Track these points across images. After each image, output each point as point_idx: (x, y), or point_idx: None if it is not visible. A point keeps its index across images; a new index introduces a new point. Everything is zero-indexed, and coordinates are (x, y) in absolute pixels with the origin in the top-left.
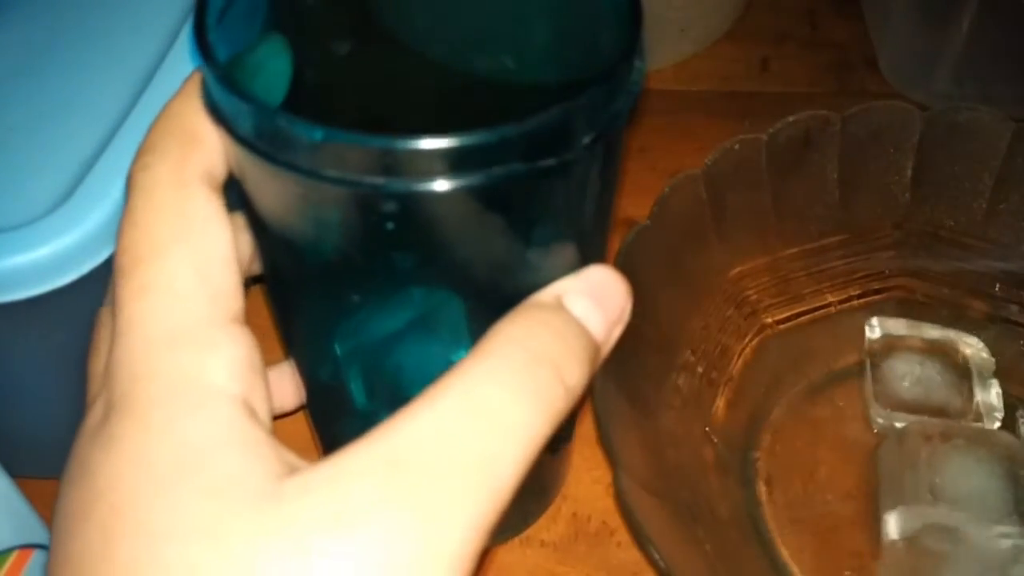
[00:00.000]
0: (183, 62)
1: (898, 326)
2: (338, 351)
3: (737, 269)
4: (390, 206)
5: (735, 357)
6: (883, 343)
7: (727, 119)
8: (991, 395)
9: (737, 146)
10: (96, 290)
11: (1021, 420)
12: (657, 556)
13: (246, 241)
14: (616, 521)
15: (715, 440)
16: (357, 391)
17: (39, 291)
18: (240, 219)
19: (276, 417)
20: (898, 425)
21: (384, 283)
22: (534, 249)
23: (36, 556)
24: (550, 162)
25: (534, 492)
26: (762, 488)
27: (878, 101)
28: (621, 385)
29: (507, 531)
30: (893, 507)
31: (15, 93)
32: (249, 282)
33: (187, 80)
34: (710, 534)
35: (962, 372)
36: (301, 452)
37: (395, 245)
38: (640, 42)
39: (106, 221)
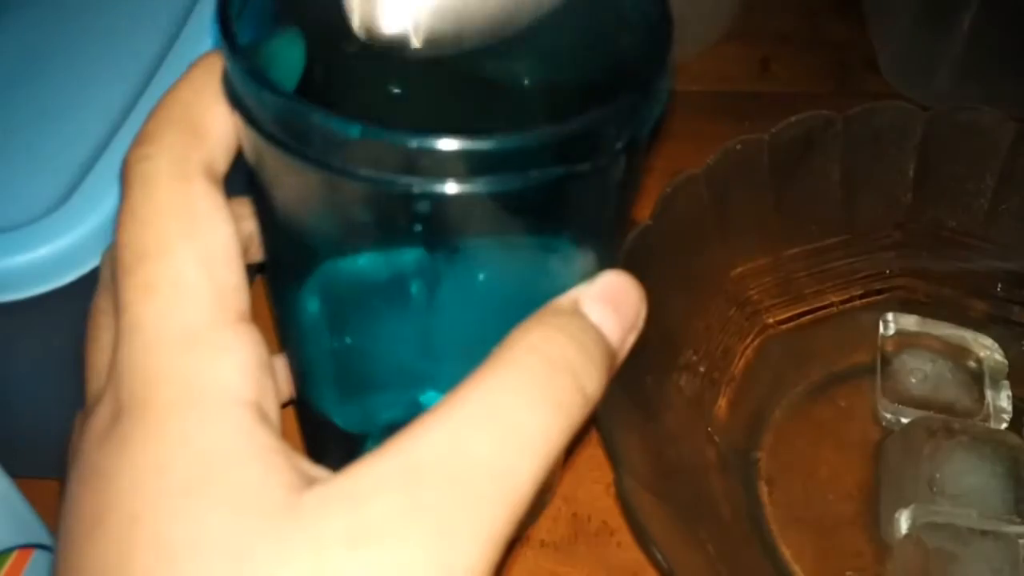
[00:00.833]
0: (184, 62)
1: (912, 323)
2: (336, 344)
3: (739, 269)
4: (421, 207)
5: (737, 357)
6: (896, 340)
7: (727, 119)
8: (1001, 397)
9: (739, 146)
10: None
11: None
12: (659, 556)
13: (245, 229)
14: (616, 521)
15: (717, 440)
16: (346, 388)
17: (39, 291)
18: (239, 206)
19: None
20: (904, 420)
21: (397, 282)
22: (555, 253)
23: (36, 556)
24: (585, 166)
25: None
26: (763, 488)
27: (880, 101)
28: (623, 385)
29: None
30: (897, 503)
31: (15, 94)
32: (253, 271)
33: (191, 67)
34: (712, 534)
35: (974, 373)
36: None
37: (418, 245)
38: (673, 46)
39: (106, 221)
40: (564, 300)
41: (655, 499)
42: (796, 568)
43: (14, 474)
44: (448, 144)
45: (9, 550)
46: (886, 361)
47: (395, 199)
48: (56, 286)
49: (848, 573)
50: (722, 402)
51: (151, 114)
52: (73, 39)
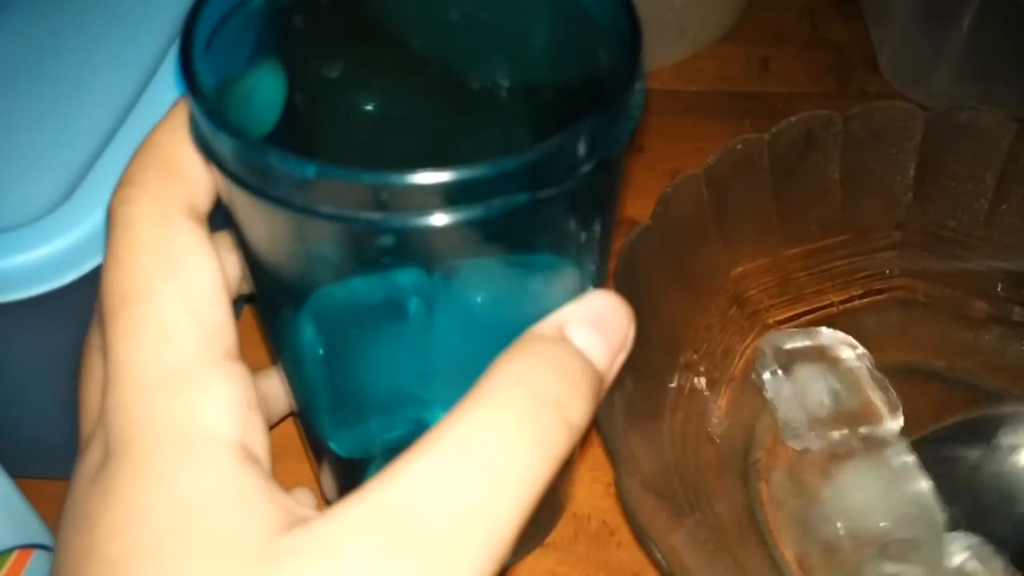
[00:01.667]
0: None
1: (783, 340)
2: (324, 372)
3: (739, 269)
4: (386, 240)
5: (737, 357)
6: (776, 359)
7: (727, 119)
8: (880, 390)
9: (739, 146)
10: (96, 290)
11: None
12: (659, 555)
13: (233, 261)
14: (616, 521)
15: (716, 440)
16: (340, 410)
17: (39, 291)
18: (227, 238)
19: (272, 426)
20: (814, 447)
21: (375, 312)
22: (534, 276)
23: (36, 556)
24: (551, 191)
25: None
26: (763, 488)
27: (880, 101)
28: (622, 385)
29: (519, 553)
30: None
31: (15, 93)
32: (241, 301)
33: (171, 108)
34: (712, 534)
35: (850, 375)
36: (296, 456)
37: (392, 276)
38: (641, 65)
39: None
40: (548, 325)
41: (655, 498)
42: (795, 567)
43: (14, 474)
44: (405, 179)
45: (9, 550)
46: (776, 393)
47: (360, 234)
48: (56, 286)
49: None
50: (722, 402)
51: (133, 157)
52: (73, 39)
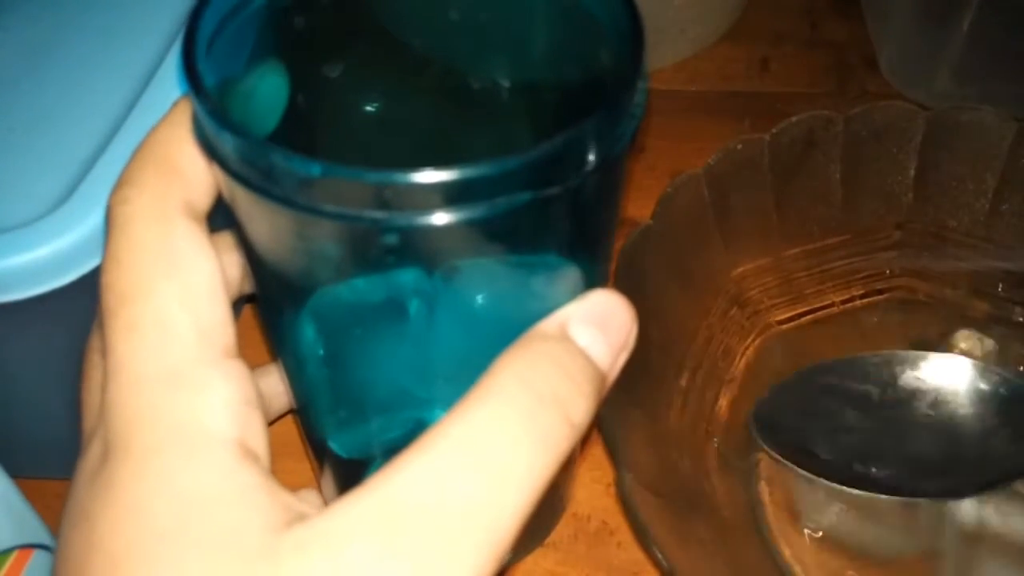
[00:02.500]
0: None
1: None
2: (325, 371)
3: (740, 269)
4: (390, 239)
5: (738, 357)
6: None
7: (727, 119)
8: None
9: (740, 146)
10: (96, 290)
11: None
12: (660, 556)
13: (234, 261)
14: (616, 521)
15: (717, 440)
16: (342, 410)
17: (39, 291)
18: (228, 238)
19: (271, 422)
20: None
21: (377, 312)
22: (535, 276)
23: (36, 556)
24: (555, 190)
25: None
26: (763, 488)
27: (880, 101)
28: (623, 384)
29: (519, 552)
30: None
31: (15, 93)
32: (241, 301)
33: (172, 107)
34: (712, 534)
35: None
36: (296, 456)
37: (393, 275)
38: (643, 65)
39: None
40: (551, 324)
41: (655, 498)
42: (796, 567)
43: (14, 474)
44: (411, 178)
45: (9, 550)
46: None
47: (364, 233)
48: (56, 286)
49: (849, 573)
50: (722, 402)
51: (132, 156)
52: (73, 39)
